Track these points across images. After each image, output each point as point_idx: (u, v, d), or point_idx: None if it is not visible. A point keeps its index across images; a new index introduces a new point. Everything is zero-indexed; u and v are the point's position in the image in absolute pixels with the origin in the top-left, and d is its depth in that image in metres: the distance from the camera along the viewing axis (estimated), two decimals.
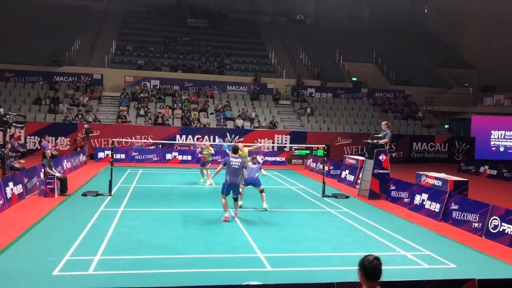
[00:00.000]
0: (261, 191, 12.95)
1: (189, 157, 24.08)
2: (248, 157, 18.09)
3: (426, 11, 48.37)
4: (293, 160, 25.57)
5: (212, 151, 17.84)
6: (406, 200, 14.12)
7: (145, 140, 24.25)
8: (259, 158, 24.55)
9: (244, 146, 16.49)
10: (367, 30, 42.98)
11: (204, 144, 18.06)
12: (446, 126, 33.09)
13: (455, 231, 11.35)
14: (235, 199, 11.62)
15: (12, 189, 12.43)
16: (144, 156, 23.66)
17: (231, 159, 11.29)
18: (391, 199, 14.85)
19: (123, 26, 38.32)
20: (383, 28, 43.56)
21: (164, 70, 32.95)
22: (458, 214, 11.78)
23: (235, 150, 11.81)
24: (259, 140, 26.25)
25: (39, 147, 23.08)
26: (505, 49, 35.76)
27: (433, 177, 13.49)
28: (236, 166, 11.16)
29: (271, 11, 45.71)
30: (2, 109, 14.04)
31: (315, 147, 24.46)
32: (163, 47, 36.05)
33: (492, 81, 35.50)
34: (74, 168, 19.64)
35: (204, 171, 17.62)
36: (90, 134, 23.88)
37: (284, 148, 26.22)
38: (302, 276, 7.92)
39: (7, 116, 14.16)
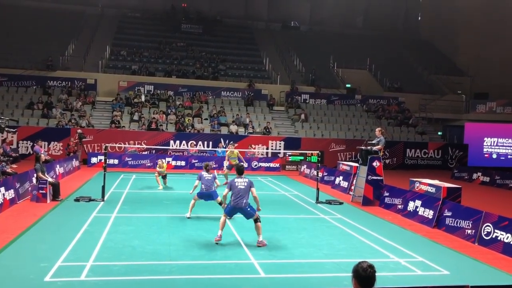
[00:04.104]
0: (220, 203, 12.00)
1: (183, 163, 24.03)
2: (237, 159, 18.36)
3: (419, 18, 48.76)
4: (287, 166, 25.56)
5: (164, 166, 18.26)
6: (399, 206, 14.14)
7: (139, 146, 24.16)
8: (253, 164, 24.60)
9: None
10: (361, 37, 43.24)
11: (158, 165, 18.23)
12: (439, 133, 33.26)
13: (448, 237, 11.38)
14: (255, 221, 10.02)
15: (3, 194, 12.34)
16: (138, 162, 23.56)
17: (236, 179, 10.07)
18: (385, 206, 14.87)
19: (117, 31, 38.31)
20: (377, 35, 43.84)
21: (158, 75, 32.94)
22: (451, 220, 11.82)
23: (240, 170, 10.32)
24: (253, 146, 26.26)
25: (31, 152, 22.95)
26: (497, 56, 36.07)
27: (426, 183, 13.53)
28: (242, 187, 9.94)
29: (266, 17, 45.91)
30: None
31: (309, 153, 24.48)
32: (158, 52, 36.04)
33: (485, 88, 35.78)
34: (66, 173, 19.53)
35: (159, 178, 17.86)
36: (83, 139, 23.79)
37: (278, 154, 26.23)
38: (296, 283, 7.90)
39: None
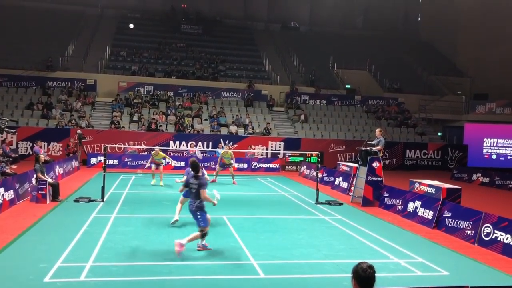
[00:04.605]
0: None
1: (183, 163, 23.97)
2: (231, 159, 19.48)
3: (419, 19, 48.77)
4: (287, 167, 25.57)
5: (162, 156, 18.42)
6: (399, 207, 14.14)
7: (138, 146, 24.15)
8: (253, 165, 24.59)
9: None
10: (361, 38, 43.27)
11: (154, 151, 18.41)
12: (439, 134, 33.26)
13: (448, 238, 11.38)
14: (200, 231, 9.16)
15: (3, 195, 12.33)
16: (137, 162, 23.54)
17: (191, 179, 9.32)
18: (385, 206, 14.87)
19: (117, 32, 38.31)
20: (377, 36, 43.88)
21: (158, 76, 32.94)
22: (451, 221, 11.82)
23: (195, 167, 9.26)
24: (253, 146, 26.26)
25: (31, 153, 22.95)
26: (497, 57, 36.10)
27: (426, 184, 13.53)
28: (193, 190, 9.13)
29: (266, 18, 45.92)
30: None
31: (309, 154, 24.48)
32: (157, 53, 36.05)
33: (484, 89, 35.80)
34: (66, 173, 19.52)
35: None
36: (83, 140, 23.78)
37: (278, 155, 26.23)
38: (295, 284, 7.90)
39: None
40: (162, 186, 17.50)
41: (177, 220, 11.40)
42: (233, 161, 20.07)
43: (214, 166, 23.99)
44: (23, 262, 8.22)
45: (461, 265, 9.26)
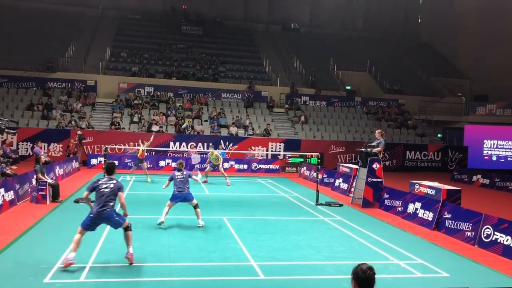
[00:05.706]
0: (195, 207, 11.45)
1: None
2: (218, 160, 20.07)
3: (419, 20, 48.77)
4: (287, 168, 25.56)
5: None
6: (399, 208, 14.14)
7: (138, 147, 24.12)
8: (253, 166, 24.59)
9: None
10: (361, 39, 43.28)
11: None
12: (439, 135, 33.26)
13: (448, 240, 11.38)
14: (125, 230, 8.57)
15: (3, 196, 12.33)
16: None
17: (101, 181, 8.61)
18: (385, 208, 14.86)
19: (117, 33, 38.31)
20: (377, 37, 43.89)
21: (158, 77, 32.94)
22: (451, 223, 11.81)
23: (109, 169, 8.72)
24: (253, 147, 26.25)
25: (31, 153, 22.95)
26: (497, 58, 36.08)
27: (426, 185, 13.52)
28: (106, 189, 8.41)
29: (266, 19, 45.92)
30: None
31: (309, 155, 24.48)
32: (158, 54, 36.06)
33: (484, 91, 35.78)
34: (66, 174, 19.52)
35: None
36: (83, 141, 23.78)
37: (278, 156, 26.22)
38: (295, 285, 7.90)
39: None
40: (149, 181, 19.22)
41: (162, 222, 11.25)
42: (219, 162, 20.24)
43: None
44: (23, 263, 8.21)
45: (461, 267, 9.26)
